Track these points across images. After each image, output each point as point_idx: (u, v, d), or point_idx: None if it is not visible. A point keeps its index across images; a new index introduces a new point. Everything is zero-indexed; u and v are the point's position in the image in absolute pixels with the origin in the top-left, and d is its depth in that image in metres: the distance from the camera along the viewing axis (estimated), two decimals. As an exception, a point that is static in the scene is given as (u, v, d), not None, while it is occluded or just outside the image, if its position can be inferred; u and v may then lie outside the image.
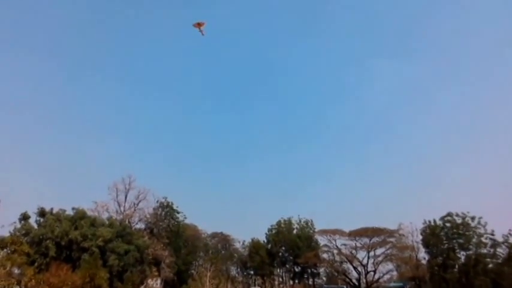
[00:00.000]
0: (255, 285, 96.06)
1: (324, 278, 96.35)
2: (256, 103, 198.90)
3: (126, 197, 78.29)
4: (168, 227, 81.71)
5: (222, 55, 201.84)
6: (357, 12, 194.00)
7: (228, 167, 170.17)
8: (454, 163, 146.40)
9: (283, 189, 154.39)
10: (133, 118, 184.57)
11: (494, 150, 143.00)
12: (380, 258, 79.26)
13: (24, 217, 63.25)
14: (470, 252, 69.26)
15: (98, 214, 72.54)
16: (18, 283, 50.02)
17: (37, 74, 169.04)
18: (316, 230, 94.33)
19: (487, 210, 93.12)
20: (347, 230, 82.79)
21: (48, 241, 58.95)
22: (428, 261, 75.05)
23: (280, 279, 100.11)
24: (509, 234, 66.82)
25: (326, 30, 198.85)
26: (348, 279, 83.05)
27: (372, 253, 79.80)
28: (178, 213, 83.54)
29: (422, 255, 77.09)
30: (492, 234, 68.59)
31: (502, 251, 67.57)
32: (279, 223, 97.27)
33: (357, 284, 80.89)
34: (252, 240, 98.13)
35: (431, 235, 73.37)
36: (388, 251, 78.94)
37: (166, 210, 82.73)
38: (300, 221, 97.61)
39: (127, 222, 74.89)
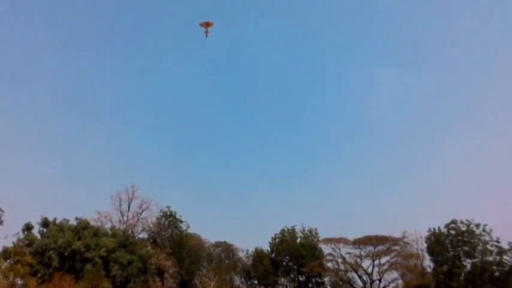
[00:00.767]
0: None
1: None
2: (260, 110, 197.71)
3: (129, 207, 78.35)
4: (172, 237, 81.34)
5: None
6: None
7: (231, 175, 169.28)
8: (457, 167, 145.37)
9: (287, 197, 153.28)
10: (135, 126, 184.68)
11: (498, 154, 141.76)
12: (385, 267, 78.67)
13: (28, 227, 63.46)
14: (476, 260, 68.73)
15: (101, 224, 72.49)
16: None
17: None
18: (320, 239, 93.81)
19: (491, 217, 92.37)
20: (351, 238, 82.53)
21: (51, 251, 58.97)
22: (433, 269, 74.46)
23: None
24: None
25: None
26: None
27: (376, 261, 79.32)
28: (181, 222, 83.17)
29: (428, 263, 76.78)
30: (498, 242, 68.06)
31: (508, 258, 66.97)
32: (282, 232, 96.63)
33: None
34: (256, 249, 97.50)
35: (436, 243, 72.87)
36: (393, 259, 78.32)
37: (170, 219, 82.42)
38: (304, 230, 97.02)
39: (130, 232, 74.73)
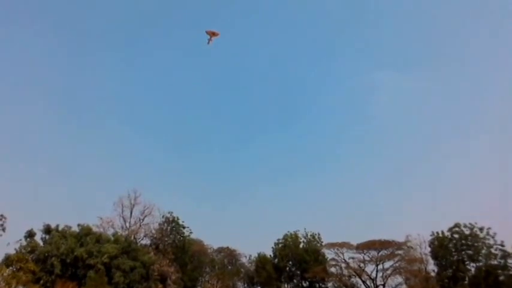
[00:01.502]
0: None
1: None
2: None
3: (131, 213, 78.42)
4: (174, 243, 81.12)
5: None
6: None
7: (233, 180, 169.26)
8: (460, 170, 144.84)
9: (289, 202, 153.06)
10: (136, 129, 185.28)
11: (501, 156, 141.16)
12: (389, 272, 78.11)
13: (30, 234, 63.54)
14: (480, 263, 68.23)
15: (103, 230, 72.52)
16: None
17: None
18: (323, 244, 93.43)
19: (495, 220, 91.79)
20: (354, 242, 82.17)
21: (53, 258, 58.97)
22: (437, 273, 73.95)
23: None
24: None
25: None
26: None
27: (380, 266, 78.84)
28: (184, 228, 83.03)
29: (432, 267, 75.97)
30: (502, 245, 67.54)
31: (512, 262, 66.52)
32: (285, 237, 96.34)
33: (366, 298, 79.82)
34: (259, 254, 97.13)
35: (440, 247, 72.48)
36: (397, 264, 77.79)
37: (172, 225, 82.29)
38: (307, 235, 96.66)
39: (132, 238, 74.64)
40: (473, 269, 69.56)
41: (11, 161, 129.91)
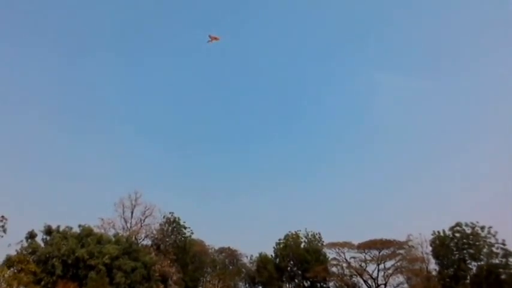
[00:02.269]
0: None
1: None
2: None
3: (132, 213, 78.46)
4: (175, 243, 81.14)
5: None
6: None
7: (234, 180, 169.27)
8: (461, 170, 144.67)
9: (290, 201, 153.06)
10: (137, 130, 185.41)
11: (503, 156, 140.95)
12: (390, 271, 78.11)
13: (31, 235, 63.45)
14: (482, 262, 68.24)
15: (104, 231, 72.49)
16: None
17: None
18: (324, 243, 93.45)
19: (496, 219, 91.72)
20: (356, 242, 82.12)
21: (54, 259, 58.79)
22: (439, 272, 74.00)
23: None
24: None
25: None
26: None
27: (381, 266, 78.95)
28: (185, 228, 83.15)
29: (433, 266, 76.23)
30: (503, 244, 67.55)
31: (514, 260, 66.43)
32: (286, 237, 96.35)
33: (367, 298, 79.75)
34: (260, 254, 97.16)
35: (441, 246, 72.51)
36: (398, 263, 77.79)
37: (173, 225, 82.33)
38: (308, 234, 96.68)
39: (133, 238, 74.50)
40: (474, 268, 69.65)
41: (11, 162, 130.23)
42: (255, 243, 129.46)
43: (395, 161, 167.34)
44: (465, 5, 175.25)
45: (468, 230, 71.00)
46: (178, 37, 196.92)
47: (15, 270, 52.02)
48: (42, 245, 63.28)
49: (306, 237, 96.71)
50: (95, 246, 62.29)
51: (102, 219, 74.85)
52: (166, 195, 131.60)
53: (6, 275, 49.71)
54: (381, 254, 78.63)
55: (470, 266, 69.90)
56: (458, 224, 72.28)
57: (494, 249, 68.10)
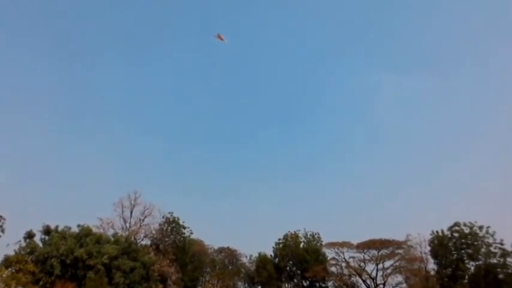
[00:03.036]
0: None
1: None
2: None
3: (131, 213, 78.24)
4: (174, 243, 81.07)
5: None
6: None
7: (234, 180, 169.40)
8: (460, 170, 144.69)
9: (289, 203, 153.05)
10: (136, 129, 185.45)
11: (503, 156, 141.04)
12: (389, 271, 78.28)
13: (29, 235, 63.47)
14: (480, 262, 68.32)
15: (103, 231, 72.36)
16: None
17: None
18: (323, 243, 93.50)
19: (494, 219, 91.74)
20: (355, 242, 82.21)
21: (53, 259, 58.74)
22: (437, 272, 74.08)
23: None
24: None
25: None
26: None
27: (380, 265, 79.06)
28: (184, 228, 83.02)
29: (432, 266, 76.24)
30: (501, 244, 67.64)
31: (512, 260, 66.50)
32: (285, 237, 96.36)
33: (366, 297, 79.81)
34: (259, 254, 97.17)
35: (440, 246, 72.58)
36: (397, 263, 77.94)
37: (172, 225, 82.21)
38: (307, 234, 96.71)
39: (133, 238, 74.46)
40: (472, 268, 69.70)
41: (10, 161, 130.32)
42: (255, 243, 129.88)
43: (395, 161, 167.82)
44: (465, 5, 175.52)
45: (466, 230, 71.07)
46: (179, 37, 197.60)
47: (14, 270, 52.02)
48: (41, 244, 63.26)
49: (305, 237, 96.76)
50: (93, 246, 62.27)
51: (101, 219, 74.75)
52: (166, 195, 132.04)
53: (4, 275, 49.71)
54: (379, 253, 78.78)
55: (468, 266, 69.97)
56: (456, 224, 72.34)
57: (492, 249, 68.17)
